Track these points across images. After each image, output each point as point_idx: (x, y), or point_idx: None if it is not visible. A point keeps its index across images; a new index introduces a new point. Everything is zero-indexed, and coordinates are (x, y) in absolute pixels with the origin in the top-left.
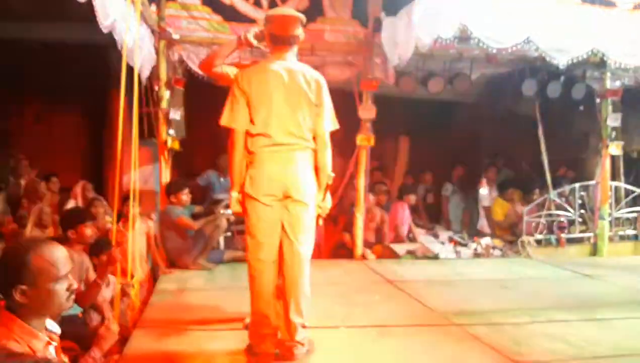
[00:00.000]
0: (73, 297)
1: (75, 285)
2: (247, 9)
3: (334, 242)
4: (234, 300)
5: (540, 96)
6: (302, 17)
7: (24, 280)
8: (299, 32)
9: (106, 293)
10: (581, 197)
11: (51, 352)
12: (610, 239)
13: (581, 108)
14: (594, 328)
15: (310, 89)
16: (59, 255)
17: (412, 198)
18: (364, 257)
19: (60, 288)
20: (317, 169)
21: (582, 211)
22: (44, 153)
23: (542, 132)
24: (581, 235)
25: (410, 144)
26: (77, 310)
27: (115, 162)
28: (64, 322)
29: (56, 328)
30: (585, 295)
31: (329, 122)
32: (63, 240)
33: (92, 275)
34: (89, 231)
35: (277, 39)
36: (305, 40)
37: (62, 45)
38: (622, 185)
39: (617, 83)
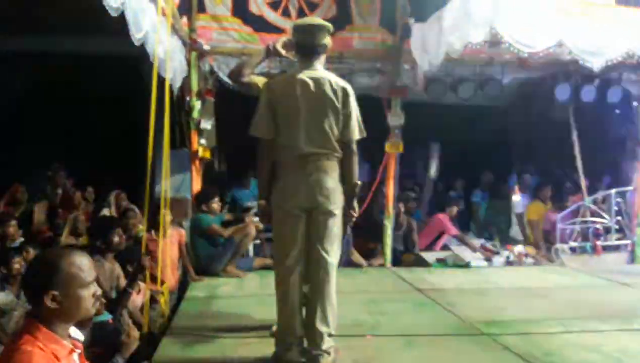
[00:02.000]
0: (97, 303)
1: (99, 292)
2: (276, 19)
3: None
4: (262, 308)
5: (574, 100)
6: (330, 26)
7: (55, 285)
8: (327, 41)
9: (136, 301)
10: (617, 204)
11: (75, 359)
12: None
13: (617, 112)
14: (631, 338)
15: (337, 97)
16: (86, 262)
17: (454, 210)
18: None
19: (88, 294)
20: (344, 177)
21: (619, 218)
22: (79, 163)
23: (576, 137)
24: (618, 242)
25: (440, 150)
26: (107, 317)
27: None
28: (95, 328)
29: (79, 336)
30: (622, 304)
31: (356, 130)
32: (94, 249)
33: (123, 283)
34: (116, 239)
35: (305, 48)
36: (333, 48)
37: (95, 57)
38: None
39: None
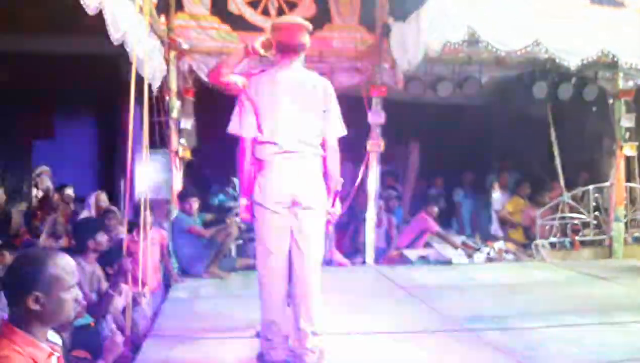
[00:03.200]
0: (78, 307)
1: (80, 296)
2: (255, 18)
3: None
4: (245, 308)
5: (551, 98)
6: (309, 25)
7: (39, 287)
8: (306, 39)
9: (118, 303)
10: (595, 199)
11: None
12: (626, 241)
13: (594, 109)
14: (610, 332)
15: (318, 95)
16: (70, 264)
17: (436, 208)
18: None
19: (70, 297)
20: (326, 175)
21: (597, 213)
22: (58, 164)
23: (554, 134)
24: (596, 237)
25: (420, 148)
26: (88, 320)
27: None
28: (76, 332)
29: (57, 339)
30: (601, 298)
31: (337, 128)
32: (76, 251)
33: (104, 285)
34: (105, 241)
35: (284, 47)
36: (313, 48)
37: (74, 57)
38: (638, 186)
39: (630, 83)
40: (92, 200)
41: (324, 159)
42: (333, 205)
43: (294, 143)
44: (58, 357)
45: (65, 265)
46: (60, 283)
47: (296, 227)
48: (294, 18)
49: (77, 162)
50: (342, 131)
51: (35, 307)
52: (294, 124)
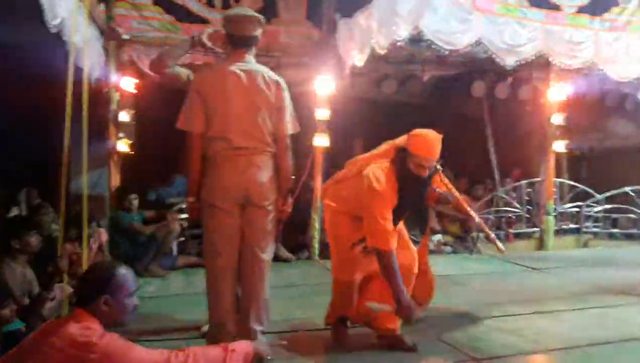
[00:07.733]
0: (134, 313)
1: (136, 302)
2: (199, 9)
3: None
4: (189, 308)
5: (489, 97)
6: (261, 17)
7: (109, 291)
8: (258, 33)
9: (52, 306)
10: (527, 194)
11: None
12: (555, 233)
13: (527, 108)
14: (546, 321)
15: (270, 91)
16: (131, 274)
17: None
18: None
19: (131, 303)
20: (277, 173)
21: (529, 207)
22: None
23: (490, 131)
24: (528, 230)
25: (363, 145)
26: (19, 325)
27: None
28: (7, 337)
29: None
30: (535, 288)
31: (290, 124)
32: (5, 251)
33: (36, 288)
34: (34, 241)
35: (236, 39)
36: (260, 42)
37: (8, 46)
38: (566, 181)
39: (561, 84)
40: (22, 197)
41: (276, 156)
42: (284, 202)
43: (244, 139)
44: None
45: (128, 274)
46: (125, 290)
47: (247, 226)
48: (246, 10)
49: (7, 156)
50: (295, 128)
51: (104, 308)
52: (244, 119)
